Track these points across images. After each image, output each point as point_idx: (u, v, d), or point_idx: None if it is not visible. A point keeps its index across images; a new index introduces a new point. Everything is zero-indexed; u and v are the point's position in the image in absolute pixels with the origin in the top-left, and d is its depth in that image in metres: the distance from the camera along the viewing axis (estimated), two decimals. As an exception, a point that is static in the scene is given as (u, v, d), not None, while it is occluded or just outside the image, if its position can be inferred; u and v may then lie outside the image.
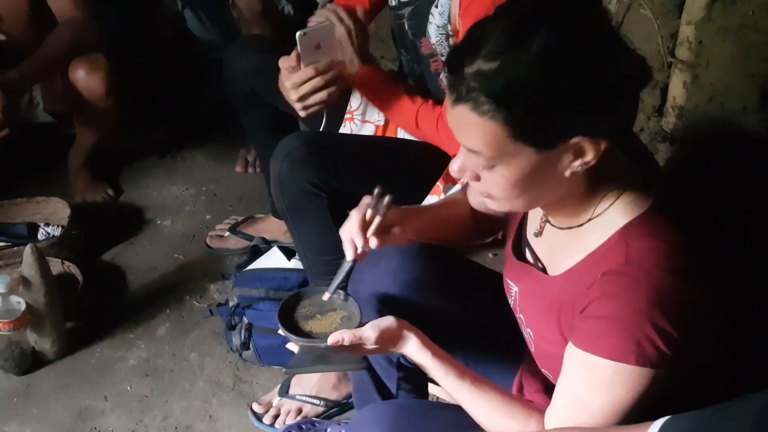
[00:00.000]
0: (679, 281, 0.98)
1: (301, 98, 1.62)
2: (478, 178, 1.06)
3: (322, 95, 1.60)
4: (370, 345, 1.19)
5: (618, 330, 0.98)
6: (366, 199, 1.26)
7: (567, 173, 1.02)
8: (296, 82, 1.60)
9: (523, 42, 0.95)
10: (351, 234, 1.24)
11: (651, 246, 1.00)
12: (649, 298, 0.97)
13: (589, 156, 1.00)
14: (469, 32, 1.02)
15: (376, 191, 1.24)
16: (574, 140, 0.98)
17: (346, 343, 1.18)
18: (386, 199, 1.23)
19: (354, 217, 1.24)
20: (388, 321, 1.21)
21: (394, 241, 1.29)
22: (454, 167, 1.08)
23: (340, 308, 1.30)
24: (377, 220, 1.24)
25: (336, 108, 1.79)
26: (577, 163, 1.00)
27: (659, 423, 0.85)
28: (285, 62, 1.63)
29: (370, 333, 1.19)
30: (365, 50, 1.76)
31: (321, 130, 1.80)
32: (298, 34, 1.55)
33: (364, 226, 1.24)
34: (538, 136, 0.98)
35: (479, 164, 1.03)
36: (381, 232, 1.24)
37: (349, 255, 1.25)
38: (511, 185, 1.03)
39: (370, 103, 1.82)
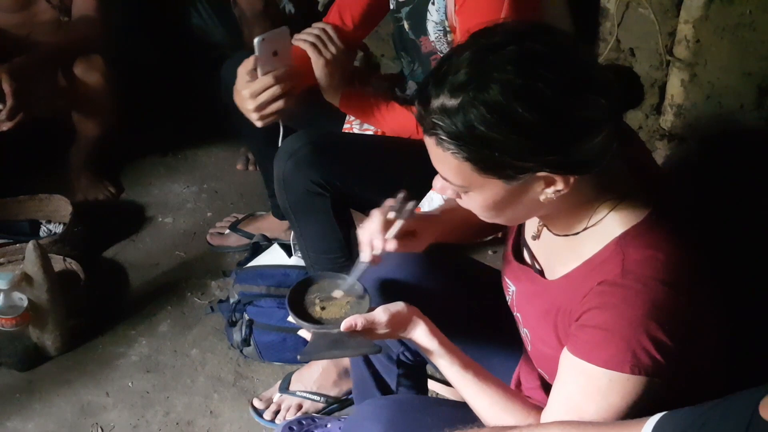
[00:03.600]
0: (675, 292, 0.98)
1: (259, 107, 1.60)
2: (459, 196, 1.08)
3: (279, 104, 1.59)
4: (382, 329, 1.19)
5: (614, 340, 0.99)
6: (389, 202, 1.25)
7: (541, 198, 1.02)
8: (256, 90, 1.58)
9: (484, 80, 0.95)
10: (370, 235, 1.23)
11: (648, 257, 1.00)
12: (644, 310, 0.97)
13: (560, 186, 1.00)
14: (441, 60, 1.03)
15: (400, 195, 1.23)
16: (541, 174, 0.99)
17: (359, 327, 1.18)
18: (410, 204, 1.22)
19: (375, 218, 1.23)
20: (399, 305, 1.21)
21: (413, 248, 1.28)
22: (436, 186, 1.09)
23: (348, 293, 1.29)
24: (398, 223, 1.23)
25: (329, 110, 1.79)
26: (550, 190, 1.01)
27: (654, 419, 0.86)
28: (243, 68, 1.61)
29: (381, 317, 1.19)
30: (348, 72, 1.75)
31: (280, 144, 1.73)
32: (256, 40, 1.54)
33: (385, 228, 1.23)
34: (501, 172, 0.99)
35: (454, 188, 1.06)
36: (400, 237, 1.23)
37: (365, 256, 1.24)
38: (487, 208, 1.06)
39: None
